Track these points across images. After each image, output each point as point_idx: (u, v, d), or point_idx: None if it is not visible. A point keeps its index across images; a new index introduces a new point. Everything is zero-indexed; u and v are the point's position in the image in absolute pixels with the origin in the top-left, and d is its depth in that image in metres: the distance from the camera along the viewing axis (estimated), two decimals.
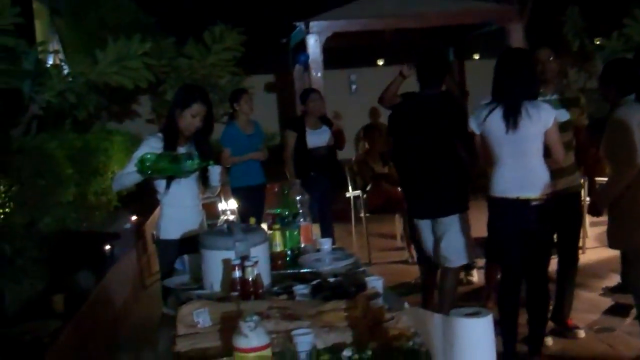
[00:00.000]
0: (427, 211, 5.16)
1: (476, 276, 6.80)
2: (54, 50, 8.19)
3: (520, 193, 4.50)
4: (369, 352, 2.36)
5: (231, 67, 10.91)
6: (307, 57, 10.10)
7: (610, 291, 6.25)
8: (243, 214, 4.19)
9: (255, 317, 2.30)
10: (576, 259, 5.49)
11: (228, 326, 2.53)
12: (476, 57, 15.09)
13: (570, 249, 5.35)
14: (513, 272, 4.75)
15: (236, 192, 6.31)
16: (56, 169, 5.94)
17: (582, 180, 5.65)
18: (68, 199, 6.13)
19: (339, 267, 3.65)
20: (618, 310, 5.86)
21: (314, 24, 10.08)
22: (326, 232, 6.76)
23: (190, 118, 4.33)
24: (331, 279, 3.35)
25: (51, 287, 5.30)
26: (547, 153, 4.62)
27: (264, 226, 3.92)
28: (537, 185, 4.51)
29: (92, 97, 7.68)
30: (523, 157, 4.51)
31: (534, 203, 4.50)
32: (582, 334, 5.35)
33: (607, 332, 5.44)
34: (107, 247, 6.28)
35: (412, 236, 6.00)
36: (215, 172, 4.47)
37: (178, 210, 4.42)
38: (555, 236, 5.12)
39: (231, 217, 4.12)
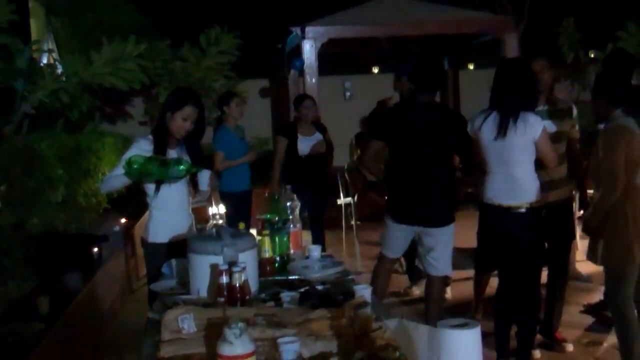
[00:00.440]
0: (422, 219, 5.07)
1: (449, 293, 6.80)
2: (49, 49, 8.15)
3: (503, 200, 4.64)
4: None
5: (226, 71, 10.88)
6: (302, 62, 10.08)
7: (591, 308, 6.22)
8: (230, 219, 4.16)
9: (240, 324, 2.27)
10: (566, 271, 5.48)
11: (213, 332, 2.50)
12: (471, 67, 15.10)
13: (560, 261, 5.34)
14: (507, 276, 4.82)
15: (224, 198, 6.28)
16: (46, 169, 5.91)
17: (573, 193, 5.63)
18: (57, 199, 6.09)
19: (328, 274, 3.62)
20: (606, 325, 5.84)
21: (310, 30, 10.06)
22: (317, 239, 6.75)
23: (181, 121, 4.31)
24: (319, 287, 3.33)
25: (37, 289, 5.26)
26: (541, 164, 4.66)
27: (253, 232, 3.89)
28: (521, 195, 4.64)
29: (85, 97, 7.64)
30: (507, 166, 4.62)
31: (517, 211, 4.62)
32: (570, 347, 5.34)
33: (596, 346, 5.43)
34: (95, 249, 6.25)
35: None
36: (204, 177, 4.46)
37: (167, 213, 4.39)
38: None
39: (220, 222, 4.07)
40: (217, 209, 4.32)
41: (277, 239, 3.90)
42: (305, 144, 7.08)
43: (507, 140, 4.53)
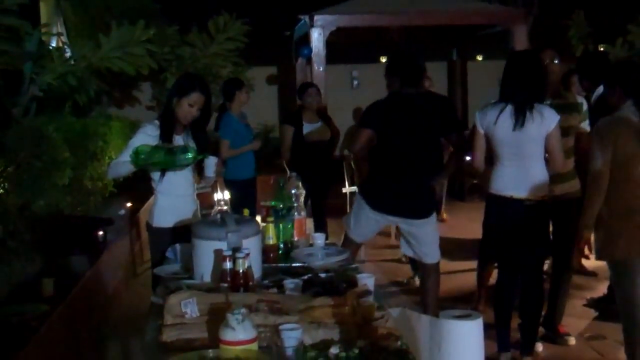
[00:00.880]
0: (407, 211, 5.08)
1: None
2: (58, 32, 8.14)
3: (515, 192, 4.63)
4: (356, 350, 2.35)
5: (234, 58, 10.88)
6: (310, 50, 10.06)
7: (595, 302, 6.22)
8: (235, 207, 4.17)
9: (243, 310, 2.29)
10: (570, 265, 5.48)
11: (216, 318, 2.52)
12: (479, 58, 15.04)
13: (564, 254, 5.33)
14: (508, 268, 4.85)
15: (228, 185, 6.29)
16: (53, 152, 5.90)
17: (580, 186, 5.61)
18: (64, 182, 6.09)
19: (331, 262, 3.63)
20: (609, 318, 5.84)
21: (318, 18, 10.03)
22: (319, 227, 6.76)
23: (188, 107, 4.31)
24: (322, 275, 3.34)
25: (42, 271, 5.28)
26: (545, 159, 4.66)
27: (258, 218, 3.90)
28: (532, 187, 4.63)
29: (93, 81, 7.64)
30: (523, 158, 4.62)
31: (526, 203, 4.62)
32: (572, 340, 5.34)
33: (598, 340, 5.43)
34: (101, 232, 6.25)
35: None
36: (211, 164, 4.46)
37: (172, 198, 4.40)
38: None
39: (225, 208, 4.08)
40: (222, 195, 4.33)
41: (281, 226, 3.91)
42: (309, 132, 7.11)
43: (524, 131, 4.52)
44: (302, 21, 10.40)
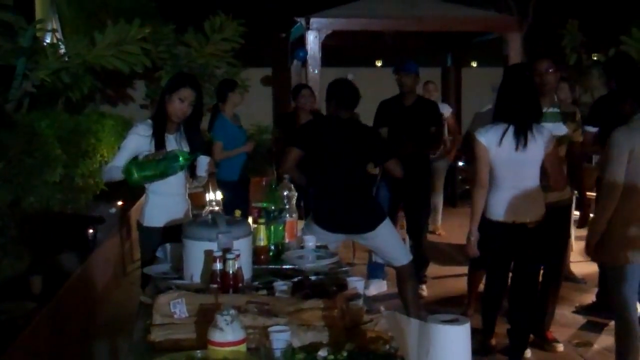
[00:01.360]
0: (349, 228, 5.08)
1: (426, 290, 6.85)
2: (52, 28, 8.12)
3: (516, 218, 4.61)
4: (345, 354, 2.35)
5: (229, 58, 10.88)
6: (306, 53, 10.07)
7: (583, 309, 6.23)
8: (227, 208, 4.16)
9: (232, 311, 2.28)
10: (561, 272, 5.49)
11: (205, 318, 2.51)
12: (474, 64, 15.08)
13: (556, 262, 5.35)
14: (498, 284, 4.89)
15: (220, 186, 6.27)
16: (45, 149, 5.89)
17: (571, 194, 5.63)
18: (55, 179, 6.07)
19: (322, 265, 3.63)
20: (598, 325, 5.86)
21: (314, 21, 10.05)
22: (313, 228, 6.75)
23: (179, 102, 4.31)
24: (313, 277, 3.34)
25: (31, 268, 5.26)
26: (543, 176, 4.65)
27: (250, 220, 3.89)
28: (533, 210, 4.64)
29: (87, 78, 7.63)
30: (522, 180, 4.60)
31: (529, 227, 4.63)
32: (560, 347, 5.35)
33: (586, 347, 5.44)
34: (91, 230, 6.25)
35: None
36: (202, 163, 4.45)
37: (163, 198, 4.39)
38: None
39: (216, 208, 4.08)
40: (214, 196, 4.33)
41: (272, 228, 3.90)
42: None
43: (526, 152, 4.51)
44: (298, 24, 10.41)
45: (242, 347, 2.28)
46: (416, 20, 10.42)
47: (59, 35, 8.09)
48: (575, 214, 5.60)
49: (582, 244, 7.75)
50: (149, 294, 3.04)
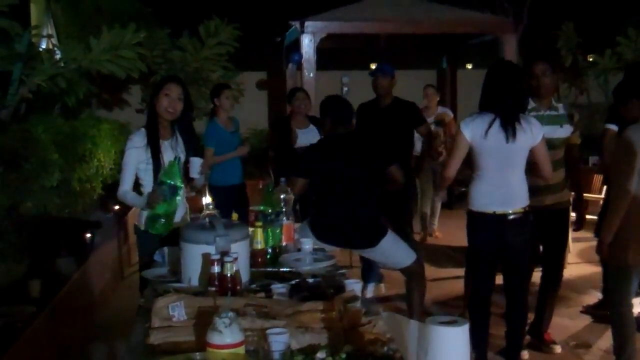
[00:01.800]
0: (351, 244, 5.13)
1: (384, 289, 6.92)
2: (48, 34, 8.13)
3: (498, 208, 4.57)
4: (343, 356, 2.35)
5: (224, 62, 10.89)
6: (300, 56, 10.08)
7: (590, 309, 6.24)
8: (222, 213, 4.16)
9: (230, 314, 2.29)
10: (560, 274, 5.49)
11: (203, 321, 2.52)
12: (469, 66, 15.11)
13: (554, 264, 5.35)
14: (483, 283, 4.81)
15: (214, 192, 6.24)
16: (41, 154, 5.89)
17: (570, 197, 5.64)
18: (52, 184, 6.07)
19: (319, 268, 3.64)
20: (595, 327, 5.87)
21: (309, 24, 10.06)
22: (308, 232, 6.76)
23: (165, 97, 4.33)
24: (310, 280, 3.35)
25: (29, 272, 5.26)
26: (530, 169, 4.64)
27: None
28: (516, 201, 4.59)
29: (82, 83, 7.63)
30: (510, 170, 4.56)
31: (510, 217, 4.57)
32: (558, 349, 5.35)
33: (584, 349, 5.45)
34: (88, 235, 6.25)
35: None
36: (196, 164, 4.42)
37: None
38: (541, 250, 5.16)
39: (214, 212, 4.08)
40: (211, 200, 4.33)
41: (269, 231, 3.92)
42: (300, 137, 7.08)
43: (517, 142, 4.47)
44: (293, 27, 10.43)
45: (241, 350, 2.29)
46: (411, 23, 10.44)
47: (54, 40, 8.09)
48: (572, 215, 5.61)
49: (580, 245, 7.86)
50: (147, 297, 3.04)
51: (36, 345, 4.50)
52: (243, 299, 2.84)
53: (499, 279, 4.84)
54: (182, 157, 4.45)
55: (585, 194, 5.64)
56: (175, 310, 2.65)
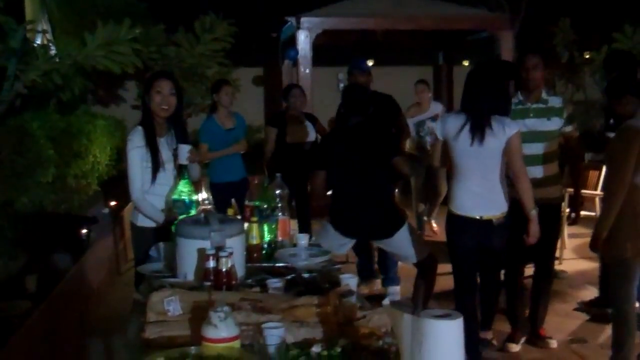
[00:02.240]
0: (368, 234, 5.21)
1: (379, 286, 6.86)
2: (43, 30, 8.09)
3: (484, 213, 4.58)
4: (338, 349, 2.35)
5: (220, 58, 10.88)
6: (297, 52, 10.08)
7: (586, 305, 6.24)
8: (220, 209, 4.16)
9: (225, 308, 2.29)
10: (552, 270, 5.50)
11: (198, 315, 2.52)
12: (465, 63, 15.10)
13: (546, 259, 5.36)
14: (468, 281, 4.88)
15: (217, 188, 6.24)
16: (37, 150, 5.88)
17: (563, 192, 5.64)
18: (47, 180, 6.07)
19: (314, 263, 3.64)
20: (592, 322, 5.88)
21: (305, 20, 10.06)
22: (303, 228, 6.77)
23: (157, 94, 4.31)
24: (305, 275, 3.35)
25: (25, 268, 5.26)
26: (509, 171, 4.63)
27: None
28: (499, 205, 4.59)
29: (78, 79, 7.61)
30: (485, 172, 4.54)
31: (496, 222, 4.59)
32: (554, 344, 5.36)
33: (580, 344, 5.46)
34: (84, 230, 6.24)
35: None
36: (183, 151, 4.36)
37: (156, 198, 4.38)
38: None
39: (209, 207, 4.07)
40: (206, 195, 4.32)
41: (265, 226, 3.92)
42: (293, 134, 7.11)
43: (485, 145, 4.46)
44: (289, 23, 10.43)
45: (236, 344, 2.29)
46: (408, 19, 10.45)
47: (49, 36, 8.06)
48: (567, 211, 5.62)
49: (575, 241, 7.87)
50: (143, 292, 3.04)
51: (33, 340, 4.49)
52: (238, 293, 2.85)
53: None
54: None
55: (584, 190, 5.63)
56: (171, 305, 2.66)
